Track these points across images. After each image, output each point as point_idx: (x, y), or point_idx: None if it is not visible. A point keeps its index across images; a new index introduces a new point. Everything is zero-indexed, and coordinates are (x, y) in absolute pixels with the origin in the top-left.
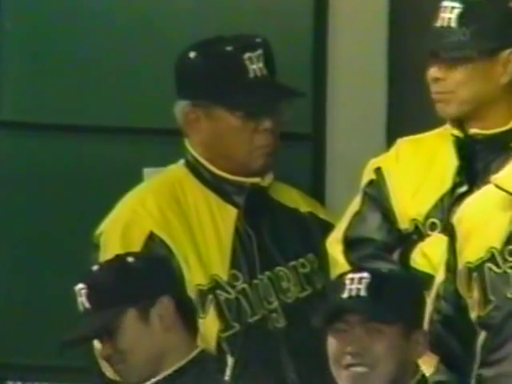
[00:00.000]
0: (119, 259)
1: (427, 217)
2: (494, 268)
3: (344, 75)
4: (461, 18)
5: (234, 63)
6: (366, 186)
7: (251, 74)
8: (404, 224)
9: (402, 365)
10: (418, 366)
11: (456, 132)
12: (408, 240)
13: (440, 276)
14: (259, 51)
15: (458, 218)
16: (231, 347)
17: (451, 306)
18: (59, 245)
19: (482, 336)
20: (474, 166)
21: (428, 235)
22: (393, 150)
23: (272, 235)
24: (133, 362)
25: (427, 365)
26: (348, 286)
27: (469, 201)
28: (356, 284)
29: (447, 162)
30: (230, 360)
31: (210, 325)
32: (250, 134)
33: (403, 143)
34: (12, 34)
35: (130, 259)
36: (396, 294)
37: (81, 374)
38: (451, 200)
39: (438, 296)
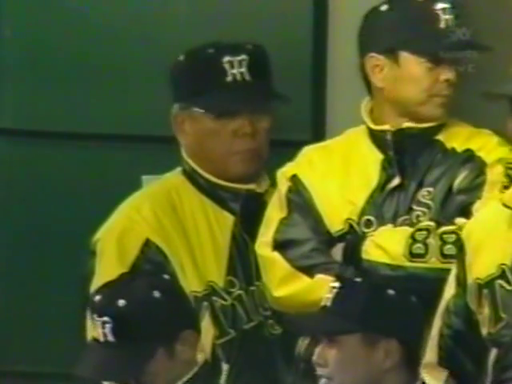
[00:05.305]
0: (146, 292)
1: (361, 214)
2: (505, 285)
3: (344, 82)
4: (458, 18)
5: (212, 66)
6: (288, 193)
7: (229, 78)
8: (337, 226)
9: (369, 373)
10: (414, 379)
11: (387, 126)
12: (342, 239)
13: (449, 290)
14: (243, 56)
15: (466, 233)
16: (226, 354)
17: (462, 320)
18: (59, 252)
19: (493, 353)
20: (402, 159)
21: (364, 232)
22: (301, 157)
23: None
24: None
25: (436, 379)
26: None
27: (477, 216)
28: (328, 294)
29: (368, 159)
30: (225, 367)
31: (205, 331)
32: (228, 138)
33: (311, 151)
34: (12, 41)
35: (157, 294)
36: (358, 303)
37: (80, 381)
38: (383, 194)
39: (447, 310)
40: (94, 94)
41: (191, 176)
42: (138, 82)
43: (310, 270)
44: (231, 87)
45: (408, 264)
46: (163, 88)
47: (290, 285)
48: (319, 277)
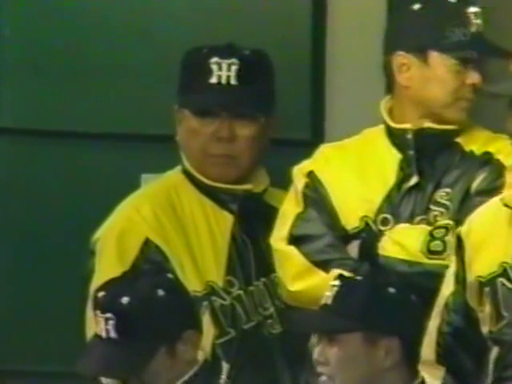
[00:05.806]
0: (149, 291)
1: (378, 213)
2: (507, 283)
3: (343, 81)
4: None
5: (201, 65)
6: (304, 189)
7: (214, 79)
8: (353, 223)
9: (369, 372)
10: (414, 377)
11: (408, 125)
12: (358, 237)
13: (448, 287)
14: (233, 60)
15: (466, 231)
16: (226, 353)
17: (461, 317)
18: (58, 251)
19: (494, 352)
20: (421, 159)
21: (380, 230)
22: (318, 155)
23: (268, 241)
24: None
25: (434, 377)
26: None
27: (476, 214)
28: (328, 292)
29: (386, 158)
30: (224, 366)
31: (205, 331)
32: (206, 140)
33: (328, 149)
34: (11, 40)
35: (161, 293)
36: (359, 301)
37: (81, 380)
38: (400, 193)
39: (446, 307)
40: (94, 93)
41: (190, 175)
42: (138, 82)
43: (325, 265)
44: (213, 88)
45: (426, 261)
46: (162, 87)
47: (306, 279)
48: (335, 272)
